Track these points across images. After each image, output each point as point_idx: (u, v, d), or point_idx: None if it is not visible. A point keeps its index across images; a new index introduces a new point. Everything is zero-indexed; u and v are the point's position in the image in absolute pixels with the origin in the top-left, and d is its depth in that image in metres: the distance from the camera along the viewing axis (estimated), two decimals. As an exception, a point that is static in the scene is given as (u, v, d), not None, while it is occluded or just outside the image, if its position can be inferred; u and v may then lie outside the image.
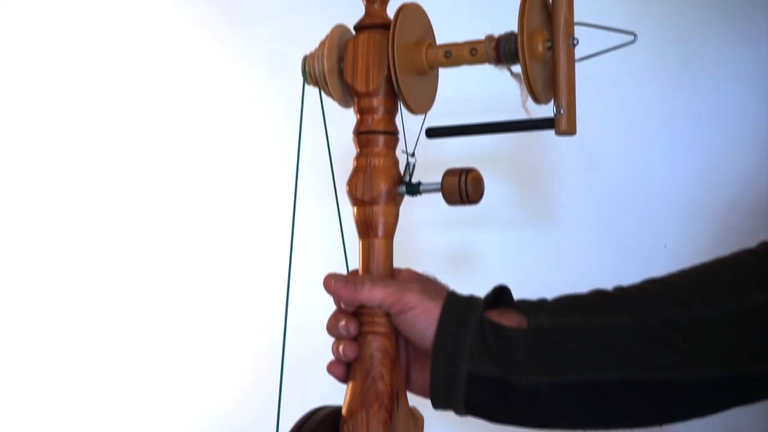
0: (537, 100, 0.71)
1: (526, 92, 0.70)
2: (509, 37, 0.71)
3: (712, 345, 0.64)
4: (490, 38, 0.72)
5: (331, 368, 0.74)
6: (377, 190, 0.74)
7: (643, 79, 1.16)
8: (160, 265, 1.47)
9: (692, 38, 1.15)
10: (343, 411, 0.71)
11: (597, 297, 0.70)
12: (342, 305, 0.74)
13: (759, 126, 1.11)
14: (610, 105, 1.17)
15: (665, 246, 1.14)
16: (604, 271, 1.15)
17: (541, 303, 0.71)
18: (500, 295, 0.72)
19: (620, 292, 0.70)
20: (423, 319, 0.69)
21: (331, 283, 0.73)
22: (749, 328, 0.64)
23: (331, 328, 0.74)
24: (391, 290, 0.70)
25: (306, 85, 0.79)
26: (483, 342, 0.67)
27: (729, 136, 1.12)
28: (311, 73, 0.78)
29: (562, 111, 0.68)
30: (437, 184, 0.73)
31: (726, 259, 0.71)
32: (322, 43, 0.77)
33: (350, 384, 0.72)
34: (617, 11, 1.15)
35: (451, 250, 1.27)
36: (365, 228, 0.75)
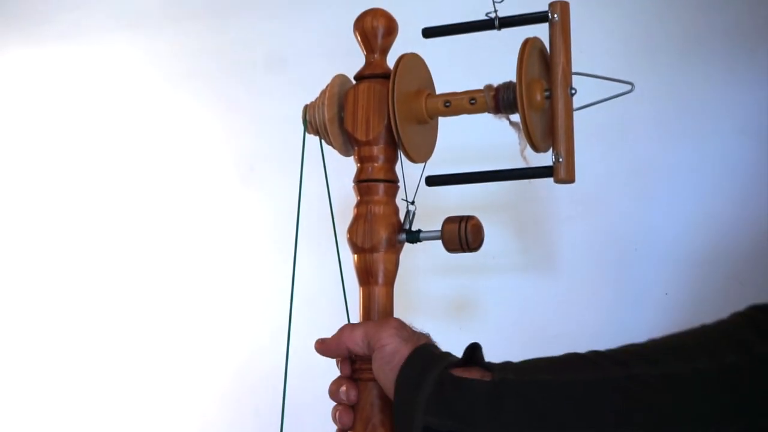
0: (536, 148, 0.71)
1: (524, 141, 0.71)
2: (508, 86, 0.72)
3: (682, 403, 0.62)
4: (489, 88, 0.73)
5: None
6: (377, 237, 0.74)
7: (644, 128, 1.17)
8: (164, 305, 1.47)
9: (693, 89, 1.16)
10: (344, 459, 0.71)
11: (567, 357, 0.68)
12: (339, 361, 0.75)
13: (760, 176, 1.11)
14: (610, 154, 1.18)
15: (666, 294, 1.14)
16: (604, 318, 1.14)
17: (508, 363, 0.69)
18: (473, 353, 0.70)
19: (592, 353, 0.68)
20: (389, 361, 0.68)
21: (319, 344, 0.74)
22: (722, 388, 0.62)
23: (329, 392, 0.75)
24: (369, 327, 0.71)
25: (307, 134, 0.80)
26: (440, 394, 0.65)
27: (730, 186, 1.13)
28: (312, 121, 0.78)
29: (560, 159, 0.69)
30: (437, 231, 0.73)
31: (707, 325, 0.69)
32: (323, 93, 0.78)
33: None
34: (616, 62, 1.16)
35: (451, 297, 1.26)
36: (365, 275, 0.75)
